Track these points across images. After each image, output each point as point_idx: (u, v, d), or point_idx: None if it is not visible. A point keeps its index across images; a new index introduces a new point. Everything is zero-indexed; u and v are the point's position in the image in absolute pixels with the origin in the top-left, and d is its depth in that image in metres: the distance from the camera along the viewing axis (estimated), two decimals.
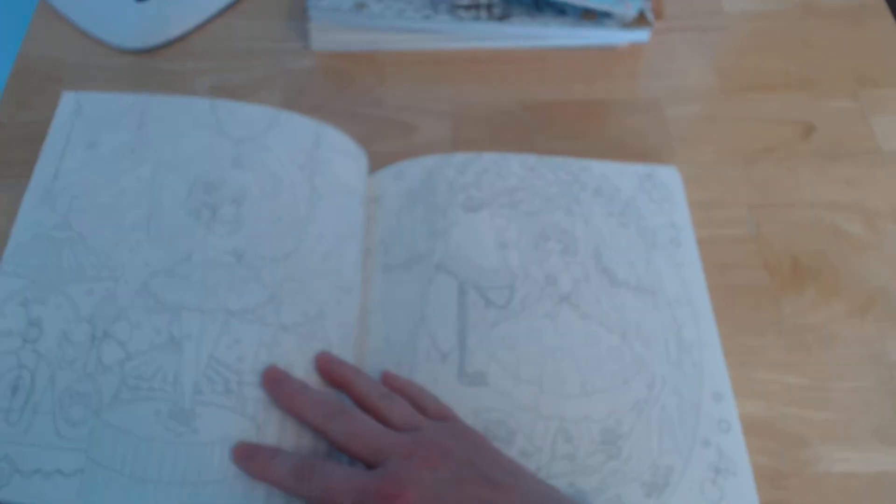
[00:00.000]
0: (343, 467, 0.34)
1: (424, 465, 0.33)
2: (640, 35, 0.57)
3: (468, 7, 0.55)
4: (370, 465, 0.34)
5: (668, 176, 0.50)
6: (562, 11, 0.56)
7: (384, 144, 0.53)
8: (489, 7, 0.56)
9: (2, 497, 0.35)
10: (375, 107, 0.55)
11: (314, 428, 0.36)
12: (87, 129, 0.45)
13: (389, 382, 0.40)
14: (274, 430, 0.37)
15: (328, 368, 0.40)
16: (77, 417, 0.36)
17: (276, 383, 0.38)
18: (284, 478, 0.35)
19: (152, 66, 0.57)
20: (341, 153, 0.48)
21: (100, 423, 0.36)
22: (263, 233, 0.43)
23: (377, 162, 0.51)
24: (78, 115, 0.46)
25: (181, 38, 0.58)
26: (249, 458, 0.36)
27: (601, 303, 0.45)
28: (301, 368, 0.40)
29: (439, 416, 0.38)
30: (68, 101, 0.46)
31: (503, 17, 0.55)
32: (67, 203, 0.42)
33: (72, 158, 0.44)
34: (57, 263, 0.41)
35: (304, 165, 0.46)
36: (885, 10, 0.60)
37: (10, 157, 0.52)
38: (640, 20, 0.56)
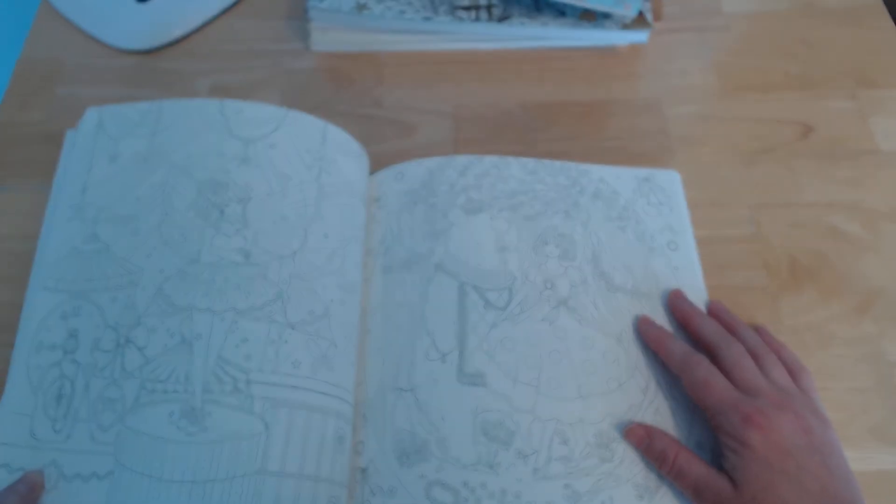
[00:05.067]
0: (725, 380, 0.40)
1: (790, 423, 0.37)
2: (640, 36, 0.57)
3: (468, 8, 0.56)
4: (712, 417, 0.39)
5: (668, 179, 0.51)
6: (561, 12, 0.56)
7: (384, 144, 0.53)
8: (489, 8, 0.56)
9: (49, 501, 0.36)
10: (375, 107, 0.55)
11: (674, 369, 0.42)
12: (108, 143, 0.46)
13: (768, 341, 0.44)
14: (282, 429, 0.38)
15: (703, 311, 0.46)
16: (107, 422, 0.38)
17: (647, 325, 0.44)
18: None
19: (153, 67, 0.57)
20: (346, 153, 0.48)
21: (124, 427, 0.37)
22: (270, 231, 0.43)
23: (377, 162, 0.51)
24: (101, 129, 0.46)
25: (182, 39, 0.58)
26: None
27: (598, 307, 0.45)
28: (308, 367, 0.40)
29: (792, 379, 0.41)
30: (92, 116, 0.47)
31: (503, 18, 0.56)
32: (94, 215, 0.43)
33: (96, 172, 0.45)
34: (88, 275, 0.41)
35: (312, 165, 0.46)
36: (884, 11, 0.60)
37: (13, 158, 0.52)
38: (640, 21, 0.56)
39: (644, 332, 0.44)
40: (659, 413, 0.42)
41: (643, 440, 0.41)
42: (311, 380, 0.40)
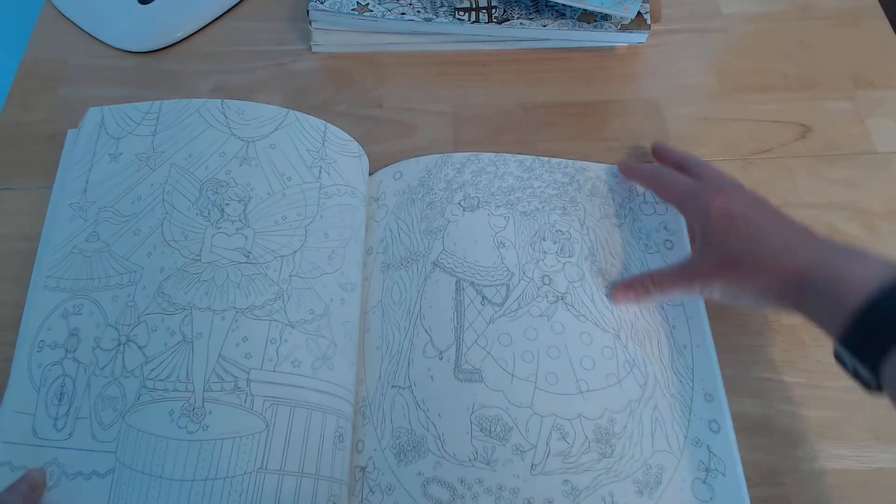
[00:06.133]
0: (684, 176, 0.47)
1: (747, 193, 0.44)
2: (639, 37, 0.57)
3: (468, 9, 0.56)
4: (681, 205, 0.46)
5: None
6: (561, 14, 0.56)
7: (384, 144, 0.53)
8: (489, 10, 0.56)
9: (51, 499, 0.37)
10: (376, 107, 0.56)
11: (645, 182, 0.49)
12: (109, 142, 0.46)
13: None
14: (282, 427, 0.38)
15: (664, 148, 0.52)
16: (108, 421, 0.38)
17: (622, 165, 0.51)
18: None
19: (155, 68, 0.57)
20: (345, 153, 0.48)
21: (125, 426, 0.38)
22: (270, 230, 0.43)
23: (377, 162, 0.51)
24: (102, 129, 0.47)
25: (184, 40, 0.59)
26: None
27: (595, 303, 0.45)
28: (308, 366, 0.40)
29: None
30: (94, 115, 0.47)
31: (503, 20, 0.56)
32: (95, 214, 0.44)
33: (98, 172, 0.45)
34: (89, 273, 0.42)
35: (312, 165, 0.46)
36: (881, 13, 0.60)
37: (16, 157, 0.53)
38: (639, 22, 0.56)
39: (621, 171, 0.50)
40: (657, 409, 0.43)
41: (629, 292, 0.45)
42: (311, 378, 0.40)
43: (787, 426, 0.43)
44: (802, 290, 0.37)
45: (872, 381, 0.35)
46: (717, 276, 0.41)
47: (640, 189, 0.50)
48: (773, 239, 0.40)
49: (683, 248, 0.48)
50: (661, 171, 0.48)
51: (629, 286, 0.45)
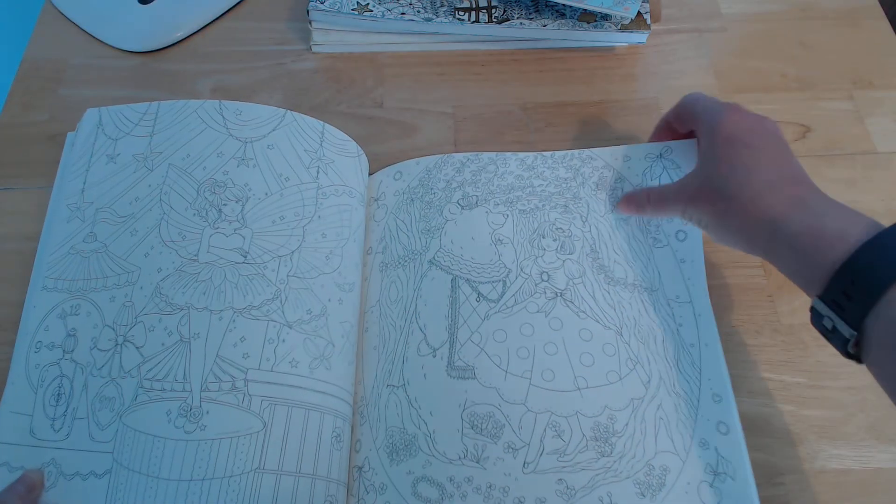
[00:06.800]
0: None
1: (759, 118, 0.41)
2: (638, 37, 0.57)
3: (468, 9, 0.56)
4: (697, 117, 0.44)
5: (684, 152, 0.48)
6: (560, 14, 0.56)
7: (384, 145, 0.53)
8: (489, 9, 0.56)
9: (48, 499, 0.37)
10: (376, 108, 0.56)
11: (674, 111, 0.47)
12: (107, 143, 0.46)
13: None
14: (279, 427, 0.38)
15: None
16: (105, 421, 0.38)
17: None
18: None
19: (155, 68, 0.57)
20: (343, 153, 0.48)
21: (122, 426, 0.38)
22: (268, 230, 0.44)
23: (378, 162, 0.51)
24: (100, 129, 0.47)
25: (184, 40, 0.59)
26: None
27: (597, 300, 0.45)
28: (305, 366, 0.40)
29: None
30: (92, 116, 0.48)
31: (503, 20, 0.56)
32: (93, 215, 0.44)
33: (95, 172, 0.45)
34: (86, 274, 0.42)
35: (310, 165, 0.46)
36: (881, 13, 0.60)
37: (16, 158, 0.53)
38: (638, 22, 0.56)
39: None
40: (661, 408, 0.42)
41: (630, 203, 0.46)
42: (308, 379, 0.40)
43: (787, 426, 0.43)
44: (773, 237, 0.37)
45: (851, 340, 0.34)
46: (698, 203, 0.41)
47: (655, 174, 0.48)
48: (759, 177, 0.38)
49: (696, 240, 0.46)
50: (689, 96, 0.45)
51: (630, 198, 0.46)
